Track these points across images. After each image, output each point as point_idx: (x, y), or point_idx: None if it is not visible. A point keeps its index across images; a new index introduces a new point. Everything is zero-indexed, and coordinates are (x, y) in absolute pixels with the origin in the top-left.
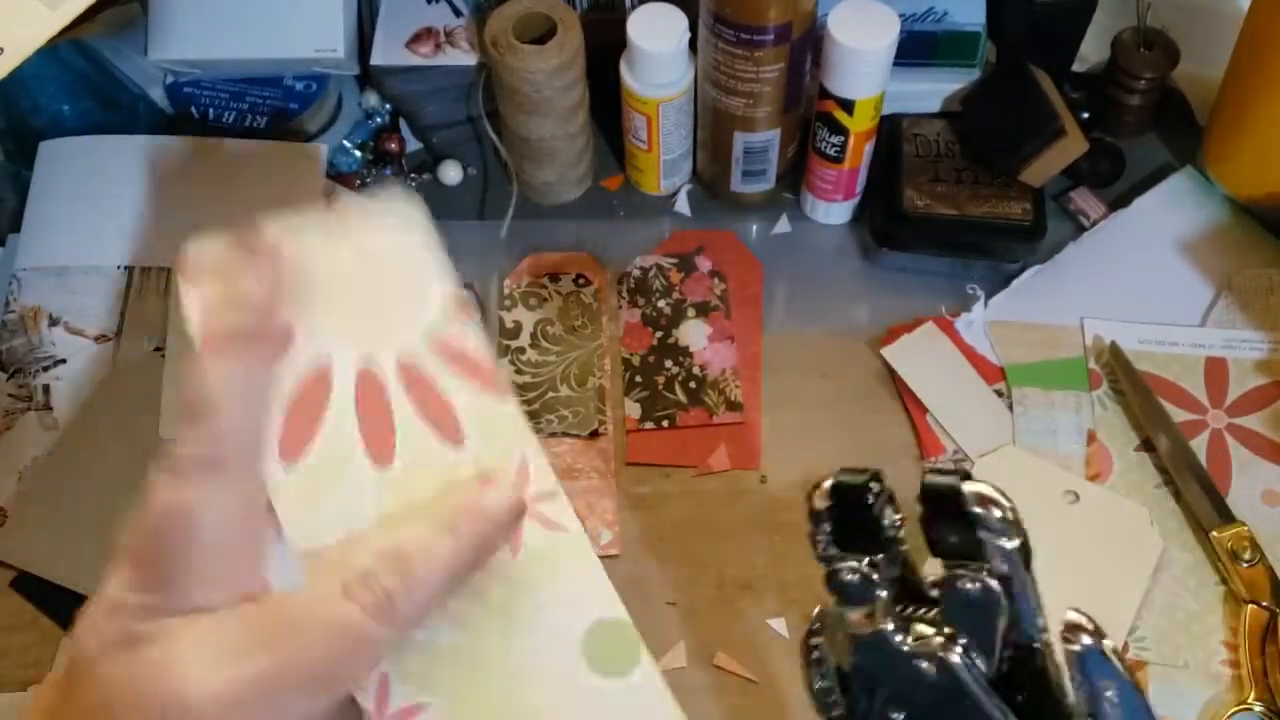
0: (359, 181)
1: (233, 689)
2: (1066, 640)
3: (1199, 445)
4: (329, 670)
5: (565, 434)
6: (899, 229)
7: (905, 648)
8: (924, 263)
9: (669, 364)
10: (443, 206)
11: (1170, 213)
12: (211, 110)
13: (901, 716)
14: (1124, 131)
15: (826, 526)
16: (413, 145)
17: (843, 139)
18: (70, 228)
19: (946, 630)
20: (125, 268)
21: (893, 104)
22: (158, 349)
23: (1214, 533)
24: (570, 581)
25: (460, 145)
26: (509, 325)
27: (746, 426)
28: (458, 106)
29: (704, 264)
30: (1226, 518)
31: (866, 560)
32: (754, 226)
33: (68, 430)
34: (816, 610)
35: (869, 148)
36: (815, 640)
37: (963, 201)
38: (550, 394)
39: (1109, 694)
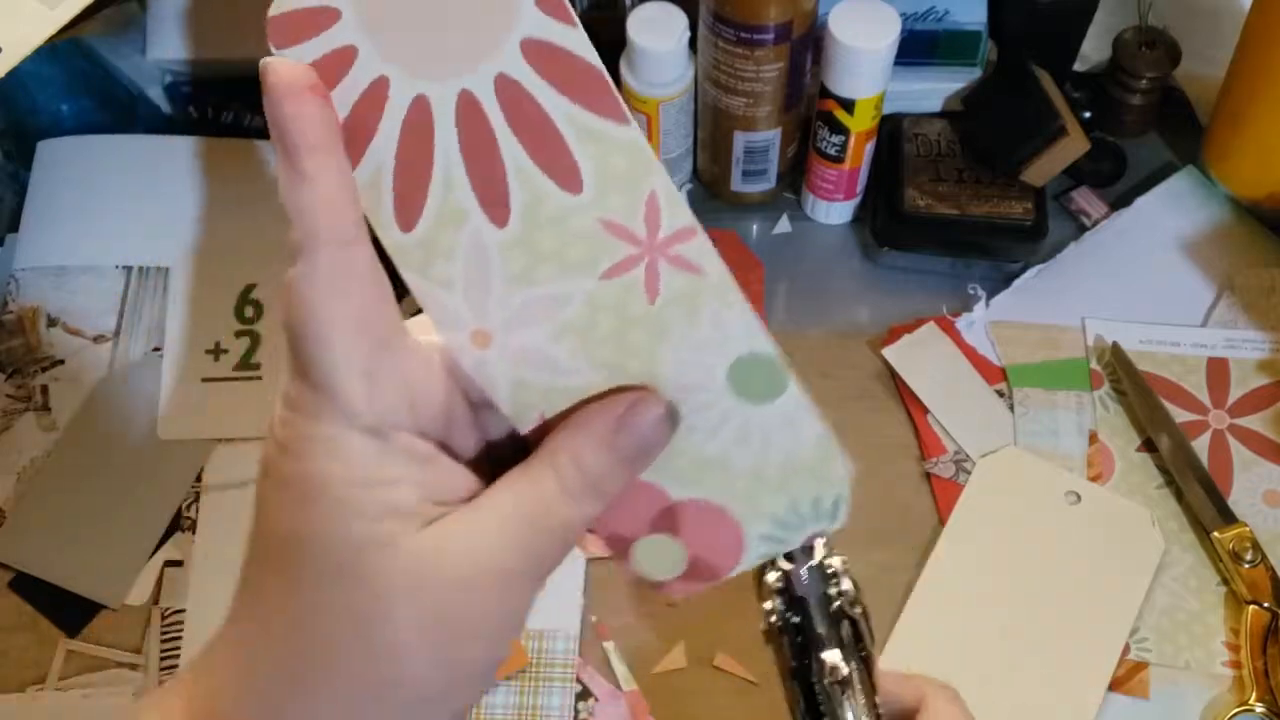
0: None
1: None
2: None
3: (1200, 446)
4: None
5: None
6: (900, 229)
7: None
8: (925, 262)
9: None
10: None
11: (1172, 213)
12: (210, 110)
13: None
14: (1125, 131)
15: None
16: None
17: (843, 139)
18: (69, 228)
19: None
20: (124, 268)
21: (893, 103)
22: (156, 349)
23: (1215, 533)
24: (711, 325)
25: None
26: None
27: None
28: None
29: None
30: (1228, 518)
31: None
32: (754, 226)
33: (66, 431)
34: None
35: (870, 147)
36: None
37: (964, 201)
38: None
39: None
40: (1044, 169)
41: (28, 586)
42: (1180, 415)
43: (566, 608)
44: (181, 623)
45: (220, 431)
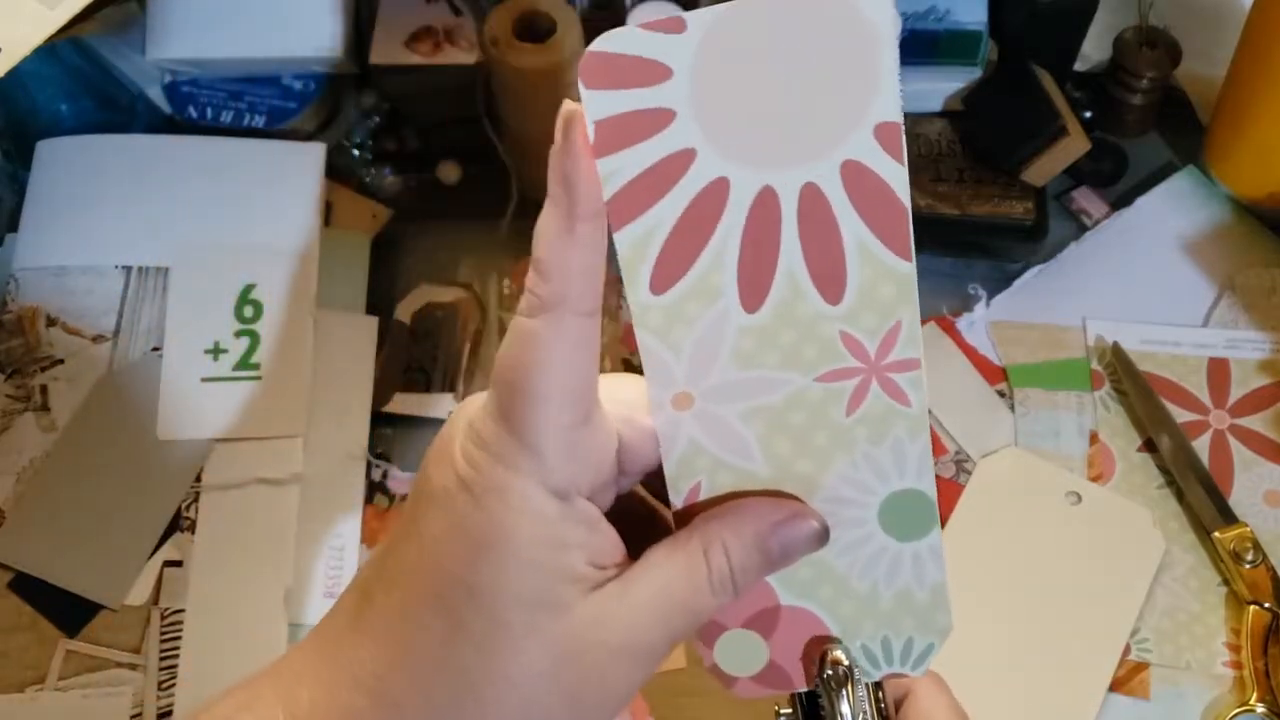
0: (358, 181)
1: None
2: None
3: (1201, 446)
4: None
5: None
6: None
7: None
8: (925, 262)
9: None
10: (442, 206)
11: (1172, 212)
12: (210, 109)
13: None
14: (1126, 131)
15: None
16: (411, 145)
17: None
18: (68, 228)
19: None
20: (123, 268)
21: None
22: (155, 349)
23: (1216, 534)
24: (891, 452)
25: (460, 145)
26: (509, 325)
27: None
28: (457, 106)
29: None
30: (1229, 518)
31: None
32: None
33: (66, 431)
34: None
35: None
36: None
37: (964, 201)
38: None
39: None
40: (1044, 169)
41: (27, 586)
42: (1181, 415)
43: None
44: (181, 623)
45: (220, 431)
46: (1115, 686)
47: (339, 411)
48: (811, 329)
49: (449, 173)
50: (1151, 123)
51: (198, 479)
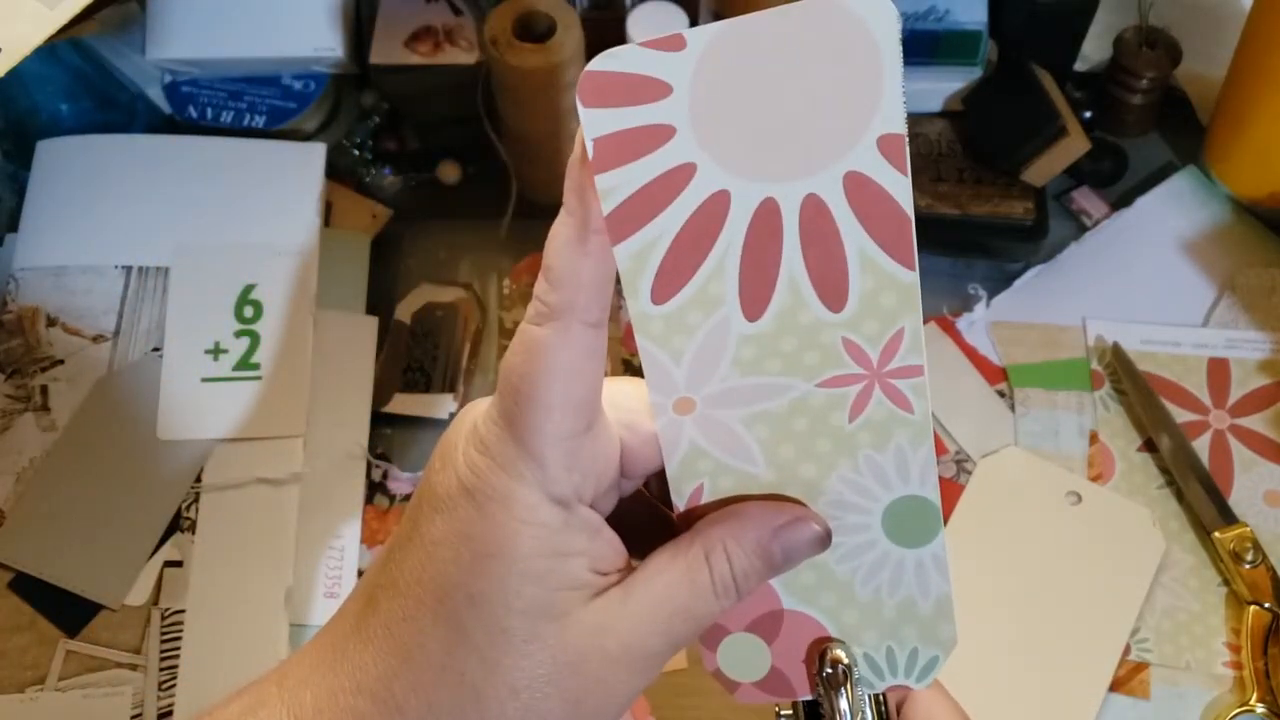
0: (358, 181)
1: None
2: None
3: (1201, 446)
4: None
5: None
6: None
7: None
8: (925, 262)
9: None
10: (442, 206)
11: (1173, 212)
12: (210, 109)
13: None
14: (1126, 131)
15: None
16: (411, 144)
17: None
18: (68, 228)
19: None
20: (123, 268)
21: None
22: (156, 349)
23: (1216, 534)
24: (894, 458)
25: (459, 145)
26: (509, 325)
27: None
28: (457, 106)
29: None
30: (1229, 518)
31: None
32: None
33: (66, 431)
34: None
35: None
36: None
37: (964, 201)
38: None
39: None
40: (1044, 169)
41: (27, 586)
42: (1181, 415)
43: None
44: (181, 623)
45: (220, 431)
46: (1115, 686)
47: (339, 411)
48: (813, 336)
49: (449, 173)
50: (1151, 123)
51: (198, 479)
